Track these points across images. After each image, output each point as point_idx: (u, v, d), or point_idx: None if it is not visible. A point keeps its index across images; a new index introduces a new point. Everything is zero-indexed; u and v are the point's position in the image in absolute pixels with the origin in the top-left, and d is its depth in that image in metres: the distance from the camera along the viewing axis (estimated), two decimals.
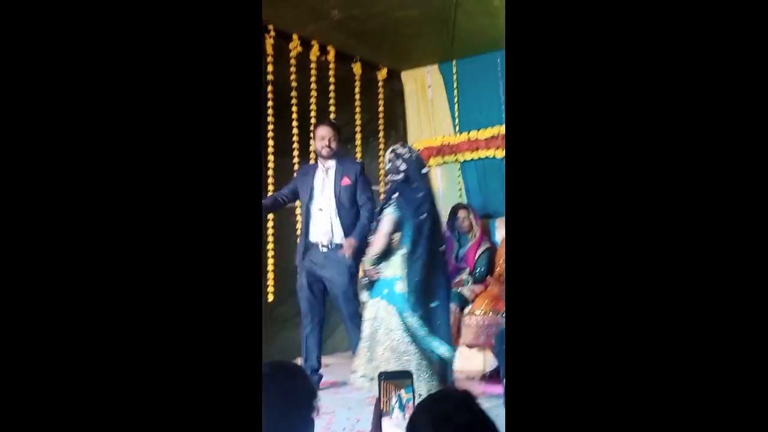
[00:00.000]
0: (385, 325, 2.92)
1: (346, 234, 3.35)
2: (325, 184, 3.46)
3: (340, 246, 3.34)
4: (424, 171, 3.15)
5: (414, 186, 3.03)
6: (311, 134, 3.52)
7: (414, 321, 2.90)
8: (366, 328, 3.01)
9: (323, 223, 3.40)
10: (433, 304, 2.98)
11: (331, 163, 3.49)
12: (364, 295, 3.14)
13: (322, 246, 3.38)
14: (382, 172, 4.91)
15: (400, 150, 3.14)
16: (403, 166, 3.05)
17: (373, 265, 3.05)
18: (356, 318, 3.30)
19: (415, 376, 2.69)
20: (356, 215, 3.42)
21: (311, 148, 3.49)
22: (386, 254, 3.01)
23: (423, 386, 2.79)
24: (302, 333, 3.44)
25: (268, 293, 4.03)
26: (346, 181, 3.44)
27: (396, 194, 3.02)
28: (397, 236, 3.00)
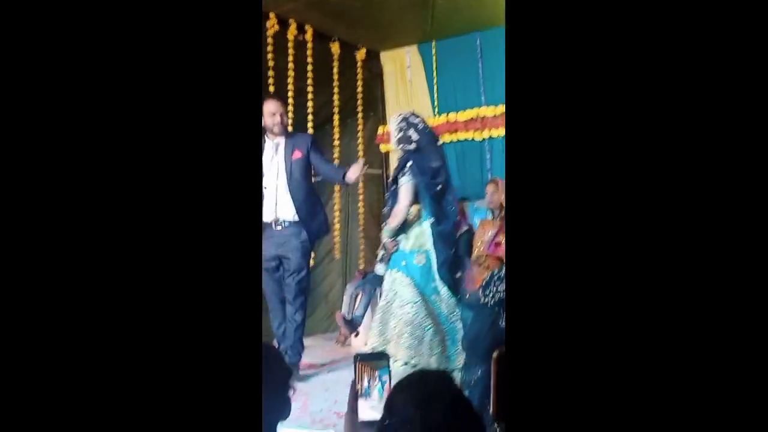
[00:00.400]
0: (400, 297, 2.89)
1: (299, 210, 3.22)
2: (273, 161, 3.29)
3: (292, 223, 3.23)
4: (439, 143, 3.12)
5: (426, 155, 2.97)
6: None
7: (444, 291, 2.91)
8: (381, 300, 2.99)
9: (276, 200, 3.24)
10: (457, 275, 2.99)
11: (281, 140, 3.32)
12: (380, 268, 3.07)
13: (276, 225, 3.23)
14: (361, 152, 4.89)
15: (413, 119, 3.05)
16: (415, 136, 2.99)
17: (391, 237, 2.99)
18: (301, 295, 3.25)
19: (427, 352, 2.79)
20: (311, 189, 3.30)
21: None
22: (404, 226, 2.97)
23: (434, 362, 2.80)
24: (270, 318, 3.32)
25: None
26: (297, 154, 3.27)
27: (410, 163, 2.95)
28: (414, 208, 2.97)
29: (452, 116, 4.66)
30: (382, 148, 4.99)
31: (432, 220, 2.95)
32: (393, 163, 5.01)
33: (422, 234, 2.96)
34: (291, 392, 1.21)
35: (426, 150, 2.99)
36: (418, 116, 3.13)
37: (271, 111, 3.25)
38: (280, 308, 3.28)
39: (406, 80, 4.94)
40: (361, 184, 4.86)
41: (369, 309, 4.15)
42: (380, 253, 3.09)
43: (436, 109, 4.78)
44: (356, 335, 4.18)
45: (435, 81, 4.77)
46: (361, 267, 4.71)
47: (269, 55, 4.09)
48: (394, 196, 3.01)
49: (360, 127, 4.91)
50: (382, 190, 5.11)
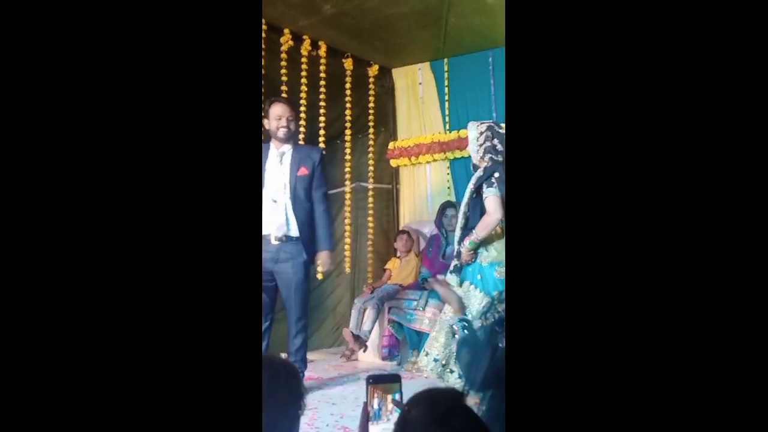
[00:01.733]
0: (469, 311, 2.74)
1: (300, 229, 3.00)
2: (278, 172, 3.03)
3: (293, 239, 3.01)
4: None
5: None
6: (264, 116, 3.08)
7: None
8: (447, 314, 2.85)
9: (279, 215, 2.99)
10: None
11: (287, 148, 3.06)
12: (452, 278, 2.92)
13: (275, 239, 2.98)
14: (371, 168, 4.92)
15: (498, 129, 2.90)
16: (500, 147, 2.86)
17: (473, 249, 2.84)
18: (303, 318, 3.08)
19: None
20: (310, 210, 3.05)
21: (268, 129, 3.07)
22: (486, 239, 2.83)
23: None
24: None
25: None
26: (303, 171, 3.02)
27: (497, 174, 2.79)
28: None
29: (463, 133, 4.66)
30: (393, 163, 5.01)
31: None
32: (404, 178, 5.05)
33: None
34: (301, 412, 1.19)
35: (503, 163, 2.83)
36: (502, 127, 2.98)
37: (277, 114, 3.02)
38: (270, 329, 3.07)
39: (417, 96, 4.97)
40: (371, 199, 4.89)
41: (377, 324, 4.15)
42: (454, 263, 2.94)
43: (447, 126, 4.80)
44: (364, 350, 4.18)
45: (447, 98, 4.80)
46: (370, 281, 4.72)
47: (283, 70, 4.14)
48: (475, 207, 2.88)
49: (371, 142, 4.93)
50: (392, 205, 5.13)
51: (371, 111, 4.89)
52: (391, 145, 5.01)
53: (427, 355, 2.86)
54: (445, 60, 4.78)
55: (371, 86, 4.87)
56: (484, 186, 2.81)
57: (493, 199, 2.78)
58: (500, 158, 2.85)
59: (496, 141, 2.87)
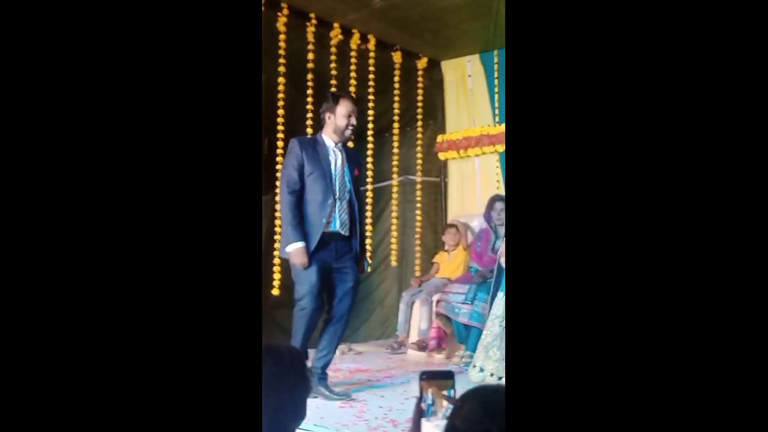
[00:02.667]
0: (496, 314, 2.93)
1: (353, 228, 3.01)
2: (339, 170, 3.01)
3: (348, 236, 3.00)
4: None
5: None
6: (326, 110, 3.04)
7: None
8: (496, 325, 3.01)
9: (343, 212, 2.97)
10: None
11: (338, 150, 3.02)
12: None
13: (341, 237, 2.98)
14: (420, 161, 4.90)
15: None
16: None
17: None
18: (348, 314, 3.04)
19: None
20: (358, 209, 3.07)
21: (330, 127, 3.00)
22: None
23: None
24: (323, 330, 3.03)
25: (273, 287, 3.96)
26: (357, 172, 3.09)
27: None
28: None
29: None
30: (441, 156, 4.98)
31: None
32: (452, 171, 5.02)
33: None
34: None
35: None
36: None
37: (346, 112, 2.98)
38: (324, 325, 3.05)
39: (467, 89, 4.92)
40: (419, 192, 4.88)
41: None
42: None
43: (497, 118, 4.74)
44: (427, 351, 4.15)
45: (496, 90, 4.73)
46: (417, 274, 4.72)
47: (332, 65, 4.17)
48: None
49: (419, 135, 4.92)
50: (440, 198, 5.11)
51: (419, 104, 4.87)
52: (439, 138, 4.98)
53: (481, 371, 2.94)
54: (495, 52, 4.71)
55: (420, 79, 4.85)
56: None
57: None
58: None
59: None
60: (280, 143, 4.03)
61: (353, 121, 3.01)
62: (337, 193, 2.97)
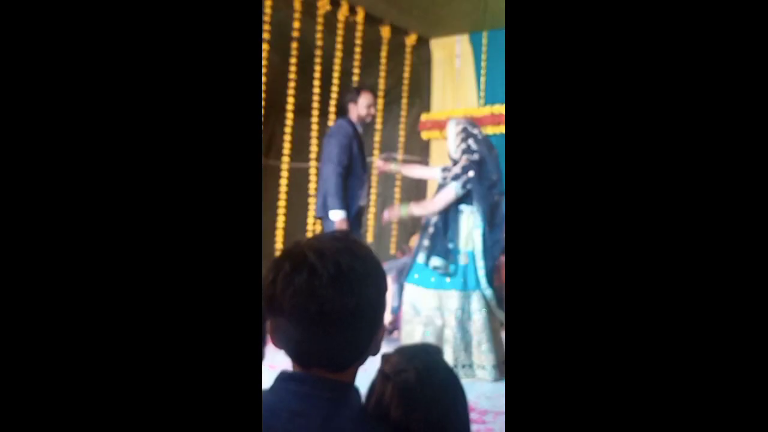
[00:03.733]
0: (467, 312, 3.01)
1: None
2: (358, 149, 3.36)
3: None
4: (495, 153, 3.16)
5: (487, 167, 3.03)
6: (342, 96, 3.45)
7: (489, 293, 3.01)
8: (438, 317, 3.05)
9: (364, 191, 3.40)
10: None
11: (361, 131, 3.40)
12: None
13: (357, 213, 3.36)
14: (402, 139, 4.88)
15: (472, 128, 3.13)
16: (475, 146, 3.06)
17: (402, 215, 3.23)
18: None
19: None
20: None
21: (354, 114, 3.32)
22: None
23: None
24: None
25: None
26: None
27: (471, 173, 3.00)
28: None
29: (497, 108, 4.59)
30: (424, 135, 4.97)
31: (480, 228, 3.01)
32: (434, 151, 5.00)
33: (478, 238, 3.02)
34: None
35: (486, 161, 3.04)
36: (475, 126, 3.21)
37: (368, 103, 3.32)
38: None
39: (454, 69, 4.90)
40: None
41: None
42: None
43: (482, 100, 4.72)
44: (393, 332, 4.15)
45: (483, 72, 4.71)
46: (393, 252, 4.73)
47: (318, 35, 4.12)
48: (438, 193, 3.10)
49: (404, 113, 4.89)
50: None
51: (406, 81, 4.84)
52: (423, 117, 4.96)
53: (484, 368, 3.00)
54: (485, 33, 4.68)
55: (407, 56, 4.81)
56: (450, 178, 3.01)
57: (448, 192, 3.00)
58: (476, 157, 3.04)
59: (471, 141, 3.07)
60: (261, 111, 4.00)
61: (372, 111, 3.36)
62: (366, 176, 3.38)
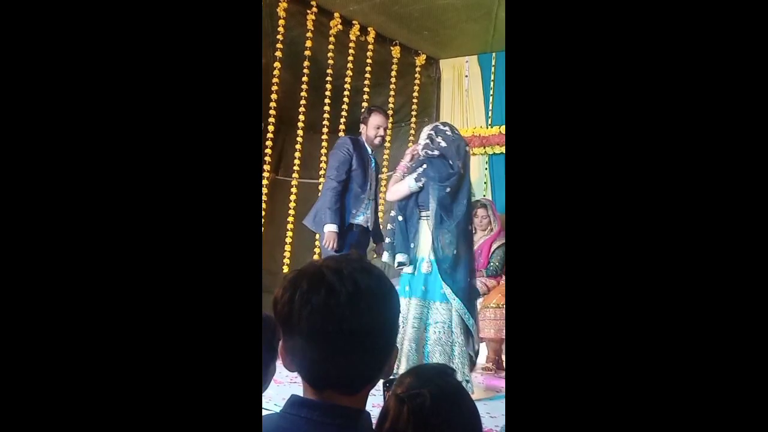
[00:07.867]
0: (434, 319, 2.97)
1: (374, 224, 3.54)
2: (372, 174, 3.48)
3: (367, 231, 3.52)
4: (466, 151, 3.13)
5: (444, 161, 3.03)
6: (363, 120, 3.50)
7: (448, 292, 2.95)
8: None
9: (368, 210, 3.47)
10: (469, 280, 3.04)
11: (373, 154, 3.50)
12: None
13: (363, 229, 3.47)
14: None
15: (442, 127, 3.16)
16: (442, 144, 3.06)
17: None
18: None
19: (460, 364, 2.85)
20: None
21: (364, 134, 3.48)
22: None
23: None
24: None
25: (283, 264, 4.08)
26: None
27: (424, 166, 3.02)
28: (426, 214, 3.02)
29: (505, 129, 4.64)
30: None
31: (432, 219, 2.98)
32: None
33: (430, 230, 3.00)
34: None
35: (446, 157, 3.04)
36: (447, 124, 3.24)
37: (377, 124, 3.42)
38: None
39: (463, 89, 4.95)
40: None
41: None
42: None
43: (490, 120, 4.77)
44: None
45: (492, 92, 4.76)
46: None
47: (330, 54, 4.19)
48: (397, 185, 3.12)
49: (412, 131, 4.94)
50: None
51: (415, 100, 4.89)
52: None
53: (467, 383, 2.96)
54: (493, 54, 4.74)
55: (417, 75, 4.87)
56: (407, 173, 3.06)
57: (401, 184, 3.03)
58: (436, 153, 3.05)
59: (439, 138, 3.07)
60: (270, 127, 4.05)
61: (381, 132, 3.45)
62: (371, 195, 3.44)
